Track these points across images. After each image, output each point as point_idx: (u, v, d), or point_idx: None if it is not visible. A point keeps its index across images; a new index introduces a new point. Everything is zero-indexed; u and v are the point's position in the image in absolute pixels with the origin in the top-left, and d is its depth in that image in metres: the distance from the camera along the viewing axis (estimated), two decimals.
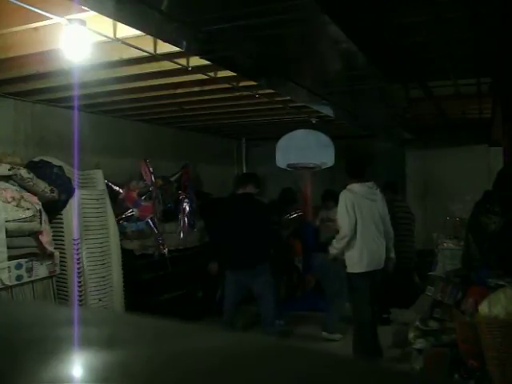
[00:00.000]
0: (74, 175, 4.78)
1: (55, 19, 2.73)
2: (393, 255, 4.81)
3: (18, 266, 3.99)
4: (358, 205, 4.57)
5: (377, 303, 4.90)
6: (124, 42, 3.05)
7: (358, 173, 4.75)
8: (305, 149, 6.93)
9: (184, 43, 2.88)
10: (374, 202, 4.71)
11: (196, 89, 4.64)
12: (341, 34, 2.64)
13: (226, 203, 5.67)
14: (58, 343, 0.59)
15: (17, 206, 3.98)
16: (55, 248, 4.40)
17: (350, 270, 4.64)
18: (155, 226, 5.77)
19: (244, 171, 9.08)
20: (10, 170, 4.16)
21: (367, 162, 5.14)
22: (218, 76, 4.04)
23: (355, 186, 4.68)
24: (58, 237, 4.55)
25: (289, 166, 7.09)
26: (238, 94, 4.87)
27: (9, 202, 3.94)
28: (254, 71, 3.70)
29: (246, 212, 4.99)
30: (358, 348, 4.60)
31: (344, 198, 4.63)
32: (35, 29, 3.04)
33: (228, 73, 3.86)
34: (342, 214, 4.60)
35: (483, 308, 2.79)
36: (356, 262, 4.57)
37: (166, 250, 5.79)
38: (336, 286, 5.57)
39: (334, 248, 4.76)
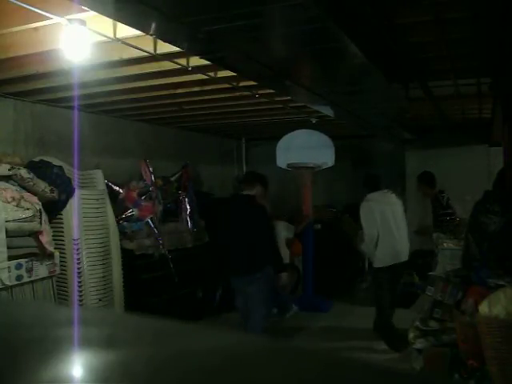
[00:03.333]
0: (74, 175, 4.78)
1: (55, 19, 2.73)
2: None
3: (18, 266, 3.99)
4: (378, 210, 5.27)
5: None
6: (124, 42, 3.05)
7: (375, 186, 5.48)
8: (305, 149, 6.93)
9: (184, 43, 2.88)
10: (391, 205, 5.39)
11: (196, 89, 4.64)
12: (341, 33, 2.64)
13: (226, 204, 5.28)
14: (58, 343, 0.59)
15: (17, 205, 3.98)
16: (55, 248, 4.40)
17: (375, 265, 5.32)
18: (155, 226, 5.76)
19: (244, 171, 9.04)
20: (10, 170, 4.16)
21: (379, 177, 5.75)
22: (218, 76, 4.04)
23: (375, 195, 5.39)
24: (58, 237, 4.55)
25: (289, 165, 7.09)
26: (238, 94, 4.86)
27: (9, 202, 3.93)
28: (254, 71, 3.70)
29: (245, 215, 4.62)
30: (380, 330, 5.36)
31: (364, 206, 5.33)
32: (35, 29, 3.04)
33: (228, 73, 3.86)
34: (366, 221, 5.28)
35: (483, 308, 2.78)
36: (380, 258, 5.24)
37: (165, 250, 5.79)
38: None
39: (366, 251, 5.58)
